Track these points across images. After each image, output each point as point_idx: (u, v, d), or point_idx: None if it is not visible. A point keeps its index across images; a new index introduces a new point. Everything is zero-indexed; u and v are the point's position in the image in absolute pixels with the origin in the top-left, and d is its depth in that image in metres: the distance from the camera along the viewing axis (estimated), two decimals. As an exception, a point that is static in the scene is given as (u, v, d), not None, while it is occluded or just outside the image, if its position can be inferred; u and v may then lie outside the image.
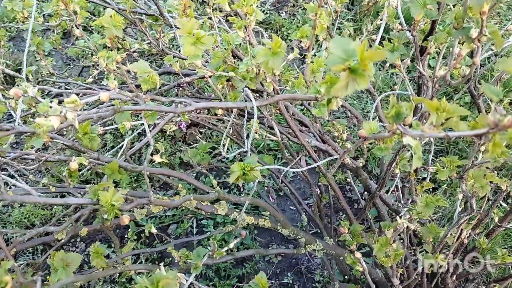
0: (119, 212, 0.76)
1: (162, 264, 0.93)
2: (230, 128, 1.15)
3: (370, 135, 0.91)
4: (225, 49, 1.25)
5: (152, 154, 0.90)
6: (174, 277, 0.68)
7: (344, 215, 2.08)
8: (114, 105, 1.02)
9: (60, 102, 0.70)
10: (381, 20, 1.52)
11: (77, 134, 0.98)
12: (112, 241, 1.80)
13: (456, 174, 1.04)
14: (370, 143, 1.94)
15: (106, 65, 1.14)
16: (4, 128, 0.87)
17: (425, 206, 1.16)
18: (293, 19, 2.91)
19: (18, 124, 0.95)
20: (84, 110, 0.77)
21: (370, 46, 1.31)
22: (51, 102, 0.61)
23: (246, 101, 1.18)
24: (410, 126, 0.74)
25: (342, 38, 0.62)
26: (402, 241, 1.46)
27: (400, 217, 1.33)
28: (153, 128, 1.07)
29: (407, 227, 1.09)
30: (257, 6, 1.14)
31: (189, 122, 2.23)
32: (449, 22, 2.35)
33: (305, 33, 0.85)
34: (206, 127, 2.44)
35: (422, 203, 1.16)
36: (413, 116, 1.26)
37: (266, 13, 2.96)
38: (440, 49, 1.00)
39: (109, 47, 1.76)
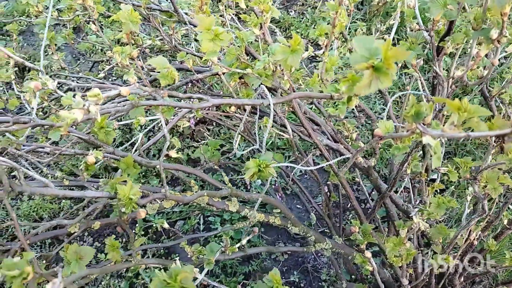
0: (136, 206, 0.77)
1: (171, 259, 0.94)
2: (241, 126, 1.15)
3: (386, 134, 0.91)
4: (238, 46, 1.25)
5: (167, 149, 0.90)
6: (191, 271, 0.68)
7: (351, 215, 2.08)
8: (127, 100, 1.03)
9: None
10: (394, 20, 1.52)
11: (93, 128, 0.99)
12: (119, 236, 1.81)
13: (469, 175, 1.04)
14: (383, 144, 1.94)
15: (121, 60, 1.14)
16: (22, 121, 0.88)
17: (437, 207, 1.16)
18: (302, 18, 2.91)
19: (37, 116, 0.96)
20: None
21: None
22: (74, 96, 0.62)
23: (260, 98, 1.18)
24: (429, 125, 0.75)
25: (366, 36, 0.62)
26: (411, 241, 1.46)
27: (411, 218, 1.33)
28: (166, 124, 1.08)
29: (418, 227, 1.10)
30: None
31: (197, 119, 2.24)
32: (459, 24, 2.34)
33: (323, 31, 0.85)
34: (214, 124, 2.44)
35: (434, 204, 1.16)
36: (426, 117, 1.26)
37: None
38: (456, 50, 1.00)
39: (121, 43, 1.77)
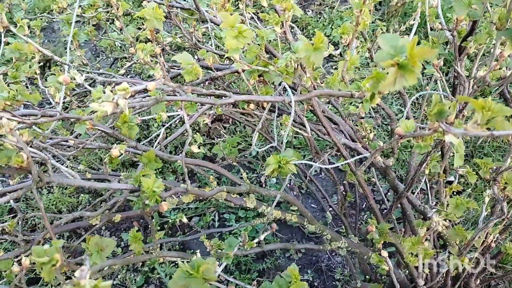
0: (160, 199, 0.79)
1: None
2: (260, 123, 1.16)
3: (407, 133, 0.91)
4: (258, 44, 1.26)
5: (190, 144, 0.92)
6: (213, 263, 0.70)
7: (366, 215, 2.08)
8: (149, 96, 1.05)
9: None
10: (413, 20, 1.52)
11: (116, 122, 1.01)
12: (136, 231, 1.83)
13: (489, 176, 1.03)
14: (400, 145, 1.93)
15: (143, 56, 1.16)
16: (48, 114, 0.90)
17: (455, 208, 1.16)
18: (319, 18, 2.91)
19: (62, 110, 0.98)
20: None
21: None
22: (104, 88, 0.63)
23: (281, 95, 1.19)
24: (452, 124, 0.75)
25: (391, 34, 0.63)
26: (428, 241, 1.45)
27: (429, 218, 1.33)
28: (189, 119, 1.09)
29: (437, 227, 1.09)
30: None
31: (214, 117, 2.26)
32: (480, 24, 2.32)
33: (346, 30, 0.85)
34: (230, 122, 2.46)
35: (452, 204, 1.16)
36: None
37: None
38: (477, 50, 1.00)
39: (140, 40, 1.79)
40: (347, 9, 2.17)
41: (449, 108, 0.71)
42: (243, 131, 2.39)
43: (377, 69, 0.66)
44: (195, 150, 0.96)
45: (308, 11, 2.98)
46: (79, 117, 0.81)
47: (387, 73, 0.62)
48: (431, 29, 0.98)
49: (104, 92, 0.66)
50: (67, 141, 1.09)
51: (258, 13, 1.36)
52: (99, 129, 0.96)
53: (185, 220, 1.07)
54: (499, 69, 0.94)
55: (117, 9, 1.20)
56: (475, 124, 0.66)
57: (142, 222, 1.99)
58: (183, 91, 0.85)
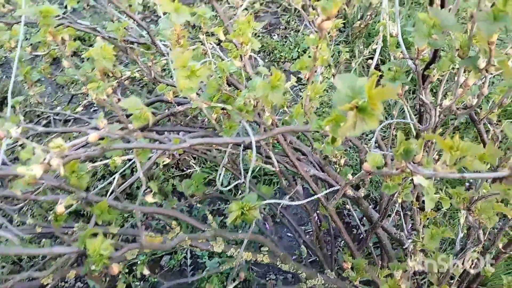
0: (108, 262, 0.71)
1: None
2: (224, 159, 1.10)
3: (375, 169, 0.87)
4: (219, 77, 1.21)
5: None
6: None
7: (343, 241, 2.03)
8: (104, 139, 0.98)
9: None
10: (376, 44, 1.51)
11: (64, 173, 0.92)
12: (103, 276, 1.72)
13: (463, 205, 0.99)
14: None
15: (96, 96, 1.09)
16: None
17: (430, 239, 1.11)
18: (285, 42, 2.91)
19: (2, 163, 0.90)
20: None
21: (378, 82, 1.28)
22: (34, 148, 0.56)
23: (244, 130, 1.14)
24: (421, 164, 0.70)
25: (348, 74, 0.58)
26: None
27: (405, 250, 1.28)
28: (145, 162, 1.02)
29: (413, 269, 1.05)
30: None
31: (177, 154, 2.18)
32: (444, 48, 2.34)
33: (304, 64, 0.81)
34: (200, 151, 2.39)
35: (428, 235, 1.12)
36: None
37: (258, 36, 2.95)
38: (442, 77, 0.97)
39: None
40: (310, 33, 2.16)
41: (415, 146, 0.67)
42: (214, 160, 2.32)
43: (336, 111, 0.61)
44: (149, 201, 0.89)
45: (274, 35, 2.97)
46: (16, 173, 0.73)
47: (346, 115, 0.57)
48: (394, 58, 0.95)
49: (35, 152, 0.58)
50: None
51: (221, 41, 1.32)
52: (43, 182, 0.88)
53: (146, 272, 0.98)
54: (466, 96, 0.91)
55: (65, 48, 1.13)
56: (445, 164, 0.62)
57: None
58: (133, 137, 0.79)
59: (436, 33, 0.73)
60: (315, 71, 1.20)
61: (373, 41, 1.82)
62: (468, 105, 0.85)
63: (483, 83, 0.74)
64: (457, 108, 0.87)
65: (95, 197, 0.93)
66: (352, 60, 2.59)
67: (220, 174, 1.20)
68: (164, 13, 1.02)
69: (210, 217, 1.11)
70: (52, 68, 1.77)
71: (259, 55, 2.85)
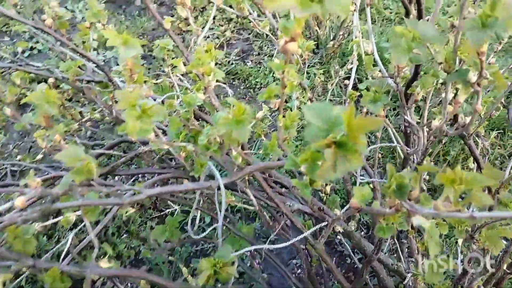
0: None
1: None
2: (195, 205, 0.98)
3: (364, 205, 0.76)
4: (186, 111, 1.10)
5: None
6: None
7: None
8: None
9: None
10: (352, 63, 1.43)
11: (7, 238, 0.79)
12: None
13: (465, 235, 0.89)
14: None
15: (45, 145, 0.97)
16: None
17: (431, 273, 1.00)
18: (260, 67, 2.83)
19: None
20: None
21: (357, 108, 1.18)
22: None
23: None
24: (418, 201, 0.60)
25: (321, 103, 0.48)
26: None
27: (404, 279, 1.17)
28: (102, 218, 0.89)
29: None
30: (220, 58, 1.02)
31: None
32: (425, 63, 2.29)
33: (272, 92, 0.71)
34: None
35: (430, 270, 1.00)
36: (403, 168, 1.13)
37: (232, 64, 2.88)
38: (426, 94, 0.88)
39: (62, 116, 1.59)
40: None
41: (410, 180, 0.57)
42: (194, 198, 2.19)
43: (310, 148, 0.50)
44: (104, 266, 0.76)
45: (248, 62, 2.90)
46: None
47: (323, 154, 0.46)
48: (372, 78, 0.86)
49: None
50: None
51: (186, 73, 1.21)
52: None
53: None
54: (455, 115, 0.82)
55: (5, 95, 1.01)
56: (447, 202, 0.51)
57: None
58: (77, 193, 0.66)
59: (417, 47, 0.64)
60: (288, 97, 1.09)
61: (348, 61, 1.75)
62: (460, 124, 0.76)
63: (477, 99, 0.65)
64: (448, 127, 0.77)
65: (45, 263, 0.80)
66: (328, 81, 2.52)
67: (191, 219, 1.09)
68: (112, 48, 0.92)
69: (185, 270, 0.97)
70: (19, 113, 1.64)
71: (233, 82, 2.77)
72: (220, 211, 0.91)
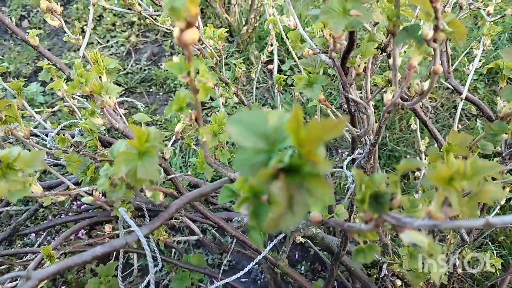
0: None
1: None
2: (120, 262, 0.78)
3: (326, 216, 0.61)
4: (91, 140, 0.90)
5: None
6: None
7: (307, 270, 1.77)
8: None
9: None
10: (272, 45, 1.28)
11: None
12: None
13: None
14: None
15: None
16: None
17: (409, 258, 0.89)
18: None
19: None
20: None
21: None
22: None
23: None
24: (401, 209, 0.46)
25: (250, 112, 0.31)
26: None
27: (381, 271, 1.06)
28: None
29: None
30: (130, 66, 0.81)
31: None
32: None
33: (183, 102, 0.53)
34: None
35: (405, 255, 0.89)
36: (353, 151, 1.00)
37: (145, 70, 2.63)
38: (365, 64, 0.75)
39: None
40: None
41: (389, 186, 0.42)
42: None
43: (248, 178, 0.34)
44: None
45: (161, 65, 2.67)
46: None
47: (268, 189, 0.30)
48: (300, 57, 0.71)
49: None
50: None
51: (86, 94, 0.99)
52: None
53: None
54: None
55: None
56: (447, 207, 0.37)
57: None
58: None
59: (356, 7, 0.49)
60: (209, 97, 0.91)
61: (266, 44, 1.60)
62: (417, 91, 0.64)
63: (435, 59, 0.52)
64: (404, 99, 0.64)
65: None
66: (250, 69, 2.37)
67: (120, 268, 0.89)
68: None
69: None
70: None
71: (150, 90, 2.53)
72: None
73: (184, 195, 0.61)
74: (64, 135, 0.83)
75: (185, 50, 0.44)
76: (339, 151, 2.10)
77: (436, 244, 0.39)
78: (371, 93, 0.80)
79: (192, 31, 0.41)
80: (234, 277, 0.76)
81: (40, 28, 2.94)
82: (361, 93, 0.82)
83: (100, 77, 0.75)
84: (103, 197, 0.73)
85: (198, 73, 0.51)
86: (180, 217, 0.86)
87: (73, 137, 0.96)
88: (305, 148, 0.29)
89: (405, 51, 0.83)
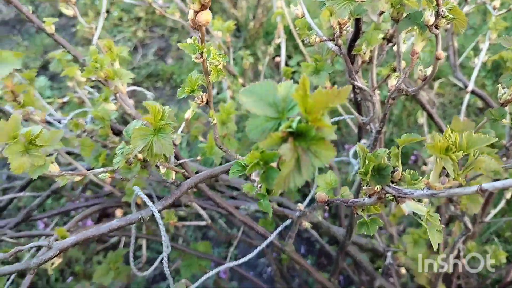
0: None
1: None
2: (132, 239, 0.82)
3: (332, 195, 0.64)
4: (101, 127, 0.93)
5: None
6: None
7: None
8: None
9: None
10: (279, 38, 1.30)
11: None
12: None
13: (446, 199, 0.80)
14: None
15: None
16: None
17: (414, 245, 0.91)
18: (182, 63, 2.65)
19: None
20: None
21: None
22: None
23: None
24: (403, 180, 0.48)
25: (261, 83, 0.34)
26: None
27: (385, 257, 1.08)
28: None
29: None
30: (137, 61, 0.84)
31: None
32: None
33: (195, 84, 0.56)
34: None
35: (410, 242, 0.91)
36: (359, 139, 1.03)
37: (151, 65, 2.66)
38: (371, 53, 0.77)
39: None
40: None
41: (390, 159, 0.44)
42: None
43: (259, 148, 0.36)
44: None
45: (168, 60, 2.71)
46: None
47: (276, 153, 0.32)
48: (306, 45, 0.73)
49: None
50: None
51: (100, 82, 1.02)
52: None
53: None
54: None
55: None
56: (444, 177, 0.40)
57: None
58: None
59: (361, -8, 0.51)
60: (219, 88, 0.95)
61: (273, 40, 1.62)
62: (420, 77, 0.66)
63: (437, 44, 0.54)
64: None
65: None
66: (258, 63, 2.40)
67: (134, 252, 0.92)
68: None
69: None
70: None
71: (157, 85, 2.57)
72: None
73: (194, 175, 0.64)
74: (78, 120, 0.86)
75: (199, 32, 0.47)
76: (345, 146, 2.12)
77: (432, 211, 0.41)
78: (376, 82, 0.82)
79: (206, 13, 0.43)
80: (242, 260, 0.79)
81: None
82: (367, 82, 0.84)
83: (112, 64, 0.78)
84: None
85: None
86: (190, 202, 0.89)
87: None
88: (312, 114, 0.31)
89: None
